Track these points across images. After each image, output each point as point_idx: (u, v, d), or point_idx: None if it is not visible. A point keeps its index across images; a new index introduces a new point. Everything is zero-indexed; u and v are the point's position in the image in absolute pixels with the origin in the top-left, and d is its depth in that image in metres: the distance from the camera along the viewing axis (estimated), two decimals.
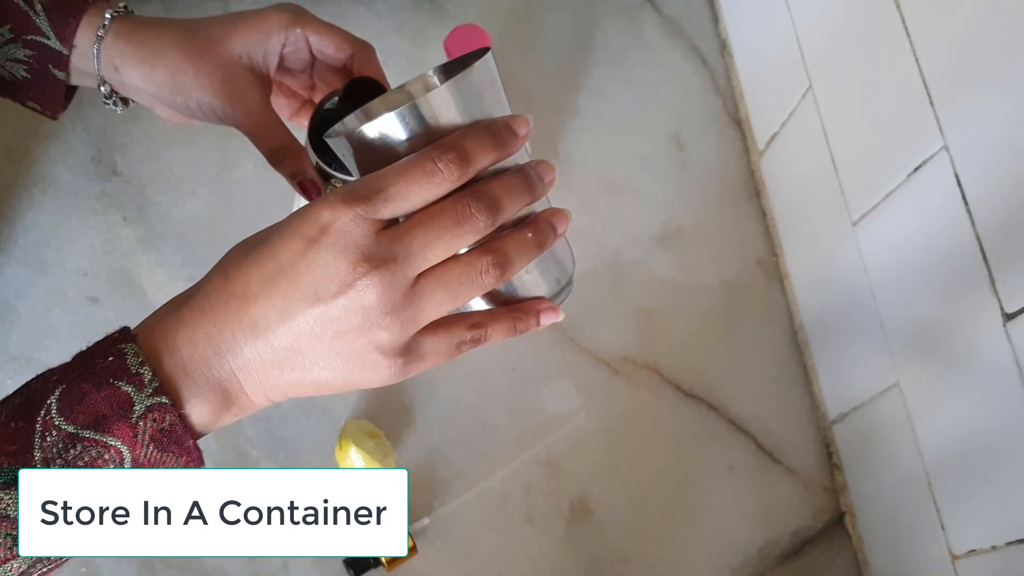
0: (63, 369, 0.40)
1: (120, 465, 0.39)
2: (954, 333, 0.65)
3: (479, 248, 0.41)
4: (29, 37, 0.55)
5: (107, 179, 0.83)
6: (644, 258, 0.88)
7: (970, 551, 0.65)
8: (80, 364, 0.39)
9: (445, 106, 0.41)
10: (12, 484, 0.37)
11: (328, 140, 0.44)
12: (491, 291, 0.44)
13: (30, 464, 0.37)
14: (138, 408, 0.38)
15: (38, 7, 0.55)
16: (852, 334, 0.78)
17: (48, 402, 0.38)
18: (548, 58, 0.96)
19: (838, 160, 0.77)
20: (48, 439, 0.38)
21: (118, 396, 0.38)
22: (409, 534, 0.72)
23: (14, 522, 0.38)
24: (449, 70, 0.49)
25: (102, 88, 0.58)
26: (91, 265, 0.79)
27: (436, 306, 0.40)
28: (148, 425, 0.39)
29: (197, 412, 0.40)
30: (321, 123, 0.60)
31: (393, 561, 0.71)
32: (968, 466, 0.65)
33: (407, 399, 0.79)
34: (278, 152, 0.57)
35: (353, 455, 0.72)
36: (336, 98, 0.58)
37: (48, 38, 0.55)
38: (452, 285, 0.41)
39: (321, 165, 0.60)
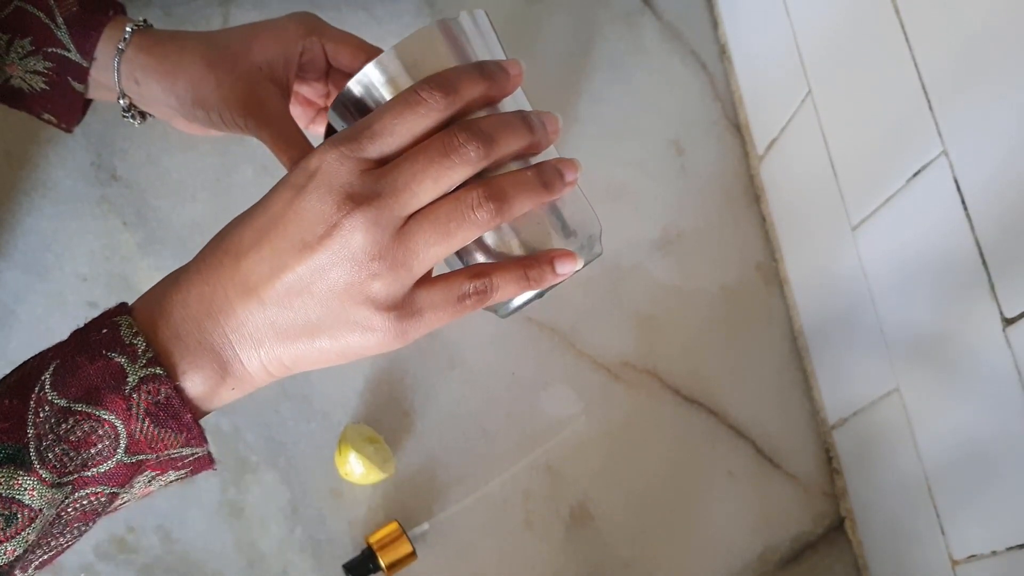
0: (59, 346, 0.39)
1: (116, 441, 0.37)
2: (954, 338, 0.65)
3: (478, 191, 0.39)
4: (49, 49, 0.55)
5: (107, 184, 0.83)
6: (644, 263, 0.88)
7: (970, 556, 0.65)
8: (75, 339, 0.39)
9: (428, 49, 0.40)
10: (5, 463, 0.36)
11: (329, 117, 0.43)
12: (499, 248, 0.41)
13: (23, 441, 0.36)
14: (131, 379, 0.37)
15: (59, 20, 0.55)
16: (852, 339, 0.78)
17: (42, 378, 0.37)
18: (548, 63, 0.96)
19: (837, 165, 0.77)
20: (41, 415, 0.37)
21: (111, 368, 0.37)
22: (409, 539, 0.72)
23: (7, 502, 0.36)
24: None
25: (121, 101, 0.58)
26: (91, 270, 0.79)
27: (427, 247, 0.38)
28: (142, 398, 0.38)
29: (192, 383, 0.39)
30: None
31: (393, 566, 0.71)
32: (968, 471, 0.65)
33: (407, 404, 0.79)
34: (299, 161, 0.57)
35: (352, 460, 0.72)
36: None
37: (68, 50, 0.55)
38: (441, 221, 0.38)
39: None
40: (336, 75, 0.61)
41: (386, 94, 0.41)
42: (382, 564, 0.71)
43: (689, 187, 0.92)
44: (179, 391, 0.38)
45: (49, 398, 0.37)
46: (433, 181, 0.38)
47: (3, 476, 0.36)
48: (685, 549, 0.79)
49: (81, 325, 0.40)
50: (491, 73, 0.40)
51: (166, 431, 0.38)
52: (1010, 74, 0.56)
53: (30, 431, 0.36)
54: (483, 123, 0.39)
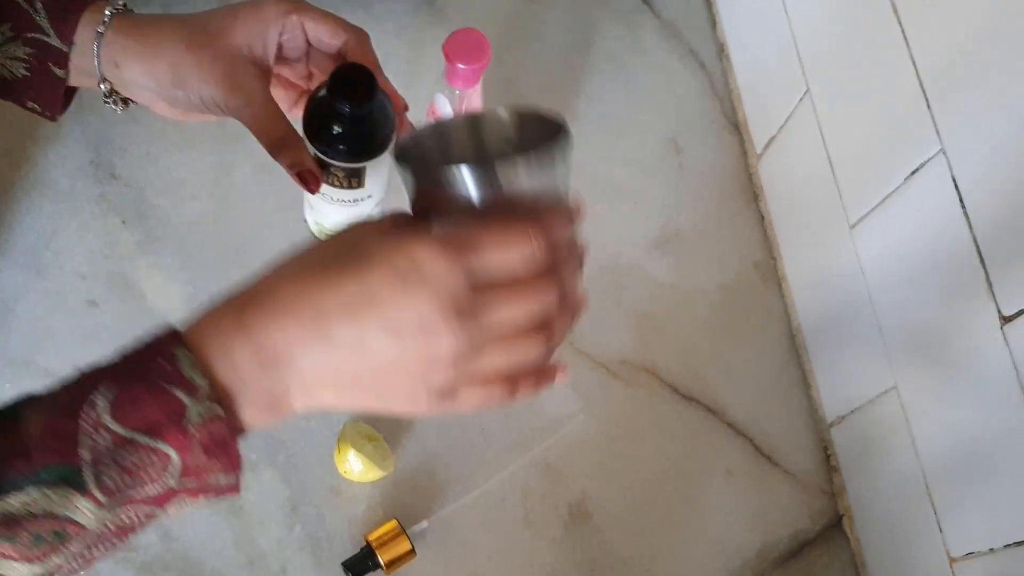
0: (111, 368, 0.39)
1: (169, 469, 0.39)
2: (951, 336, 0.65)
3: (543, 334, 0.44)
4: (29, 35, 0.55)
5: (106, 182, 0.83)
6: (642, 261, 0.88)
7: (968, 554, 0.65)
8: (129, 364, 0.39)
9: (525, 175, 0.43)
10: (58, 482, 0.37)
11: (398, 159, 0.45)
12: None
13: (75, 462, 0.37)
14: (192, 416, 0.38)
15: (38, 5, 0.55)
16: (850, 337, 0.79)
17: (93, 399, 0.38)
18: (547, 62, 0.96)
19: (835, 163, 0.77)
20: (100, 441, 0.37)
21: (172, 403, 0.38)
22: (408, 537, 0.72)
23: (62, 521, 0.37)
24: (521, 118, 0.50)
25: (102, 87, 0.58)
26: (90, 268, 0.79)
27: (493, 368, 0.43)
28: (200, 433, 0.39)
29: (244, 418, 0.41)
30: (313, 111, 0.60)
31: (392, 564, 0.71)
32: (966, 468, 0.65)
33: None
34: (278, 143, 0.57)
35: (352, 458, 0.72)
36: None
37: (48, 35, 0.55)
38: (512, 357, 0.43)
39: (319, 155, 0.60)
40: (317, 55, 0.61)
41: (467, 197, 0.42)
42: (381, 562, 0.71)
43: (687, 185, 0.92)
44: (232, 427, 0.40)
45: (108, 424, 0.37)
46: (524, 327, 0.43)
47: (59, 496, 0.37)
48: (683, 546, 0.79)
49: (130, 347, 0.40)
50: (574, 224, 0.46)
51: (215, 461, 0.39)
52: (1008, 73, 0.56)
53: (84, 453, 0.37)
54: (574, 301, 0.46)
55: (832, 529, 0.81)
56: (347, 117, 0.58)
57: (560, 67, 0.96)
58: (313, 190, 0.60)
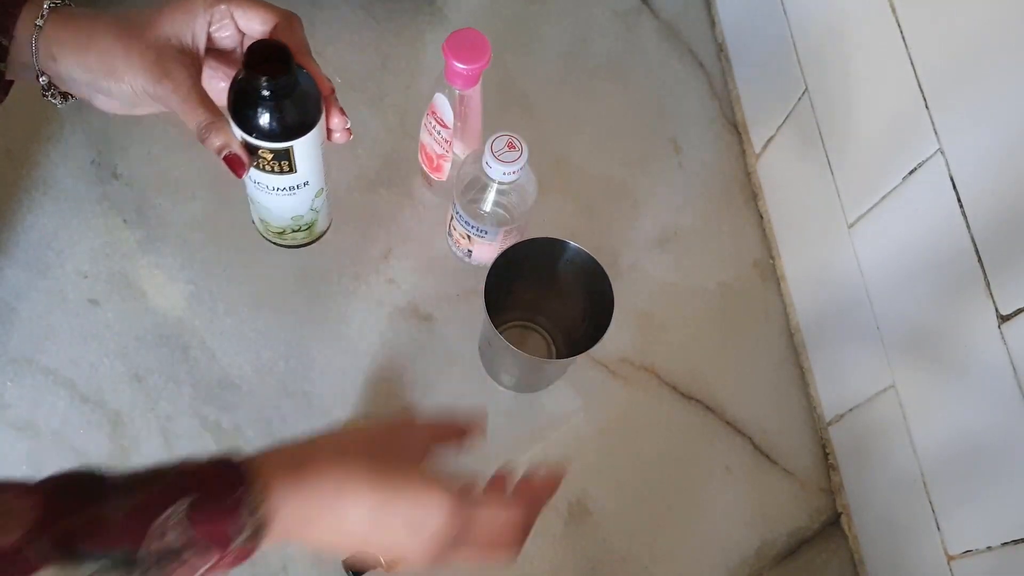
0: (197, 483, 0.45)
1: (196, 569, 0.44)
2: (949, 335, 0.65)
3: (500, 551, 0.55)
4: None
5: (107, 182, 0.83)
6: (642, 261, 0.88)
7: (965, 552, 0.65)
8: (212, 484, 0.46)
9: None
10: (121, 565, 0.42)
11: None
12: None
13: (139, 550, 0.42)
14: (242, 539, 0.46)
15: None
16: (848, 336, 0.79)
17: (178, 506, 0.43)
18: (546, 62, 0.96)
19: (834, 163, 0.78)
20: (169, 538, 0.43)
21: (234, 525, 0.45)
22: None
23: None
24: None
25: (40, 80, 0.59)
26: (91, 267, 0.80)
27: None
28: (237, 551, 0.46)
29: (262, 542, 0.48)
30: (234, 93, 0.59)
31: (393, 562, 0.72)
32: (964, 467, 0.65)
33: (406, 401, 0.80)
34: (205, 128, 0.58)
35: None
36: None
37: None
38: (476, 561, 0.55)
39: (245, 138, 0.60)
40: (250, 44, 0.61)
41: None
42: (382, 560, 0.71)
43: (687, 185, 0.92)
44: (256, 548, 0.47)
45: (181, 527, 0.43)
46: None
47: (117, 574, 0.42)
48: (682, 544, 0.79)
49: (213, 464, 0.47)
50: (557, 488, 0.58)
51: (227, 567, 0.46)
52: (1006, 72, 0.56)
53: (153, 545, 0.43)
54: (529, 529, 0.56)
55: (831, 527, 0.82)
56: (265, 93, 0.57)
57: (559, 67, 0.96)
58: (239, 174, 0.60)
